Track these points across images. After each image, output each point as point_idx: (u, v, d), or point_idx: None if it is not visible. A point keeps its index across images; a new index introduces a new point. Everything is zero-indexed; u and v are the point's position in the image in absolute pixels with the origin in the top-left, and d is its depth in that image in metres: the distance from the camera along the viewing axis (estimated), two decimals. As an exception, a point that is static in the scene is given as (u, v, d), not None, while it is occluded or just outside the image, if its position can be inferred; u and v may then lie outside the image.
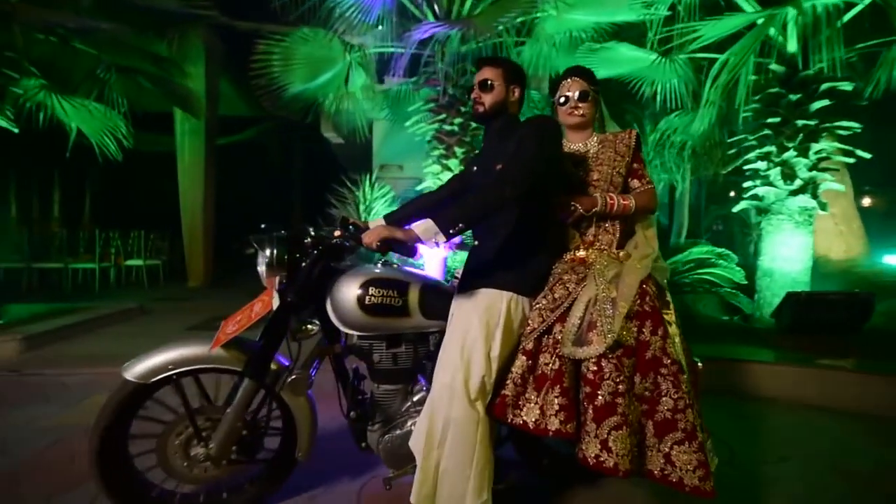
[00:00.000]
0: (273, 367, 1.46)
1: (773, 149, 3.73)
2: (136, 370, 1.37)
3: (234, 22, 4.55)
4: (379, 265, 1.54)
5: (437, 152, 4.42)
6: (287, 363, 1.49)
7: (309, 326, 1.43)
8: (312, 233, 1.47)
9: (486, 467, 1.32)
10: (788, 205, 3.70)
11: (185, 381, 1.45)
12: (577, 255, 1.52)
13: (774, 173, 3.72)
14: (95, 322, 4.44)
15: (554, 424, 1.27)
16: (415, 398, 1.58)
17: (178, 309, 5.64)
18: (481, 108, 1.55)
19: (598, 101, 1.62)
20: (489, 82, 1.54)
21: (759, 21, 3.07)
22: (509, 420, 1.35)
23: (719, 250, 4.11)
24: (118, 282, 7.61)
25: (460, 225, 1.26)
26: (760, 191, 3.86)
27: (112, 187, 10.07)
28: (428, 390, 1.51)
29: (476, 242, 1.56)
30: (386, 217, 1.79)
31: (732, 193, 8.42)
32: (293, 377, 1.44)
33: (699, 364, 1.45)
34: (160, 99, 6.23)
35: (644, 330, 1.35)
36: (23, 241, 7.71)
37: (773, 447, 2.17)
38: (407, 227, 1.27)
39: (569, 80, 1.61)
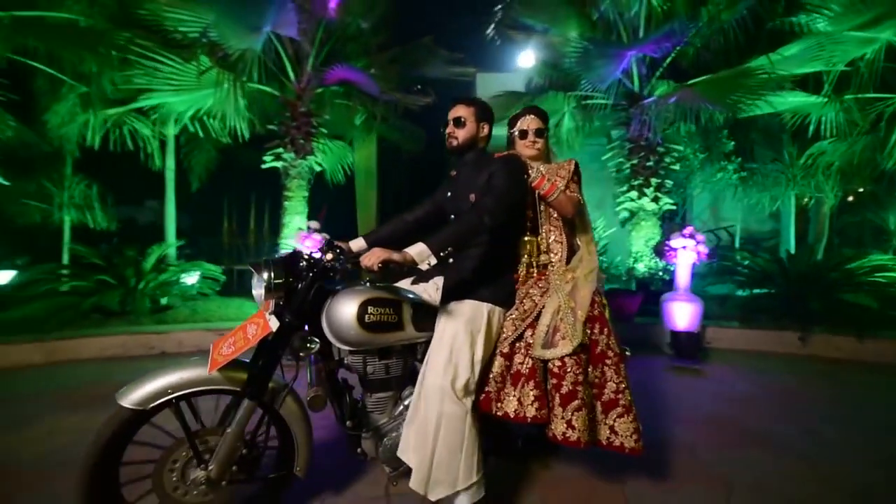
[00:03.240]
0: (270, 385, 1.45)
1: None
2: (133, 396, 1.31)
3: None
4: (367, 284, 1.55)
5: (636, 182, 5.56)
6: (284, 380, 1.50)
7: (310, 345, 1.44)
8: (306, 256, 1.48)
9: (475, 454, 1.46)
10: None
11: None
12: (535, 264, 1.74)
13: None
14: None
15: (531, 412, 1.49)
16: (405, 402, 1.63)
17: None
18: (455, 142, 1.69)
19: (548, 138, 1.83)
20: (462, 119, 1.67)
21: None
22: (493, 412, 1.54)
23: (900, 257, 4.94)
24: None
25: (449, 248, 1.43)
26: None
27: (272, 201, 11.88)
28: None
29: (451, 260, 1.69)
30: (365, 236, 1.82)
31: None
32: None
33: (627, 352, 1.69)
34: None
35: (595, 330, 1.62)
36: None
37: None
38: (404, 251, 1.38)
39: (528, 116, 1.78)
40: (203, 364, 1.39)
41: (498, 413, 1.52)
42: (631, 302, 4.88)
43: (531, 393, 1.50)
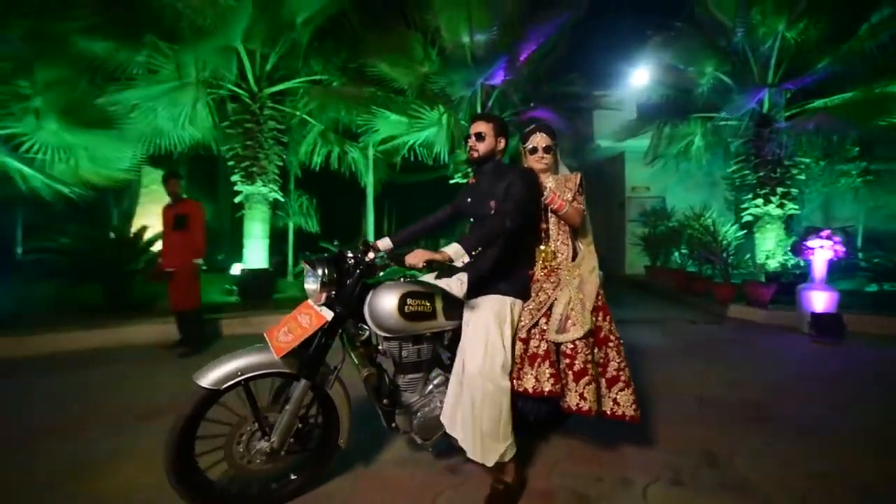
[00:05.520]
0: (321, 368, 1.62)
1: None
2: (209, 377, 1.47)
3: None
4: (402, 280, 1.74)
5: (762, 191, 6.40)
6: (331, 365, 1.66)
7: (361, 332, 1.64)
8: (350, 255, 1.64)
9: (510, 422, 1.69)
10: None
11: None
12: (548, 267, 1.93)
13: None
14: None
15: (547, 387, 1.69)
16: (434, 382, 1.84)
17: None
18: (476, 154, 1.87)
19: (557, 152, 2.01)
20: (482, 134, 1.86)
21: None
22: (515, 388, 1.73)
23: None
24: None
25: (479, 248, 1.64)
26: None
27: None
28: (444, 377, 1.83)
29: (472, 258, 1.85)
30: (390, 236, 2.03)
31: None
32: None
33: (620, 340, 1.94)
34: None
35: (599, 318, 1.86)
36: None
37: None
38: (442, 250, 1.58)
39: (538, 134, 1.95)
40: (266, 350, 1.57)
41: (518, 389, 1.73)
42: (766, 291, 5.77)
43: (547, 371, 1.72)
